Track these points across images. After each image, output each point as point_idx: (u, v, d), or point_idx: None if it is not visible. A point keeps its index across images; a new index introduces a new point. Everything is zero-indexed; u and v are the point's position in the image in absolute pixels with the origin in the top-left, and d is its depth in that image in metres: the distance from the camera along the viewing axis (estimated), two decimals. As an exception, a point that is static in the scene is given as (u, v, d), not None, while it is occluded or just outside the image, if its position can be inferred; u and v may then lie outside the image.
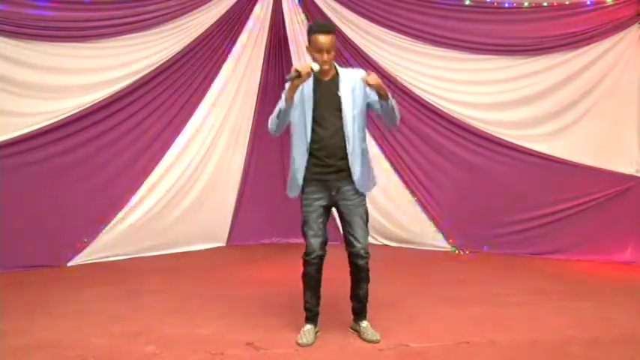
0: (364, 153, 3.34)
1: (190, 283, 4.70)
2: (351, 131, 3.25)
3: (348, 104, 3.26)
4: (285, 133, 3.48)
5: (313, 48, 3.22)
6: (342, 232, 3.44)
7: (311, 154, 3.27)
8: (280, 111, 3.23)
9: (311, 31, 3.26)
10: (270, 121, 3.33)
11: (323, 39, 3.19)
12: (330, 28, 3.36)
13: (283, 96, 3.23)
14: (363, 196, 3.35)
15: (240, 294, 4.37)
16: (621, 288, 4.58)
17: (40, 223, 5.09)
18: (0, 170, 4.87)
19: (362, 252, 3.30)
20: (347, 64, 5.64)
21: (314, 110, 3.26)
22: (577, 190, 5.51)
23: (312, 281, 3.36)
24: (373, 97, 3.28)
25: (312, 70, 3.16)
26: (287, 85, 3.19)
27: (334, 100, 3.27)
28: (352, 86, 3.29)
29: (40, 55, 4.95)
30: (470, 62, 5.66)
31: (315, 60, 3.23)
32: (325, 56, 3.20)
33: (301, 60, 5.54)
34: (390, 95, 3.24)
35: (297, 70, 3.11)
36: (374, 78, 3.17)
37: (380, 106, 3.27)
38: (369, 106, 3.34)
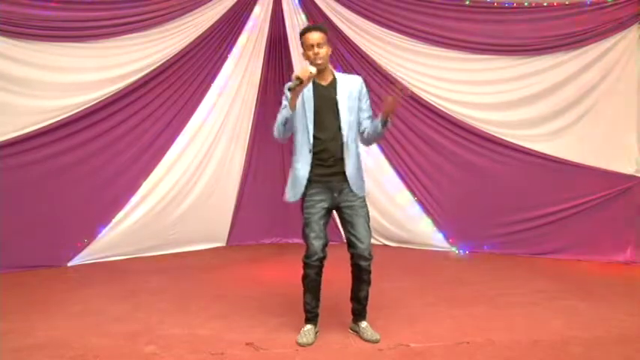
0: (358, 156, 3.37)
1: (190, 283, 4.71)
2: (346, 136, 3.29)
3: (345, 109, 3.30)
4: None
5: (305, 47, 3.28)
6: (343, 233, 3.43)
7: (314, 157, 3.29)
8: (286, 119, 3.22)
9: (301, 35, 3.32)
10: (275, 129, 3.31)
11: (311, 35, 3.25)
12: (317, 26, 3.41)
13: (285, 102, 3.22)
14: (364, 197, 3.36)
15: (240, 294, 4.37)
16: (621, 288, 4.58)
17: (40, 223, 5.09)
18: (0, 170, 4.88)
19: (365, 253, 3.30)
20: (347, 63, 5.67)
21: (315, 114, 3.27)
22: (577, 190, 5.51)
23: (312, 284, 3.36)
24: (363, 114, 3.35)
25: (311, 73, 3.17)
26: (287, 92, 3.18)
27: (333, 104, 3.30)
28: (349, 92, 3.33)
29: (40, 54, 4.95)
30: (470, 62, 5.66)
31: (308, 58, 3.27)
32: (316, 49, 3.23)
33: (302, 61, 5.54)
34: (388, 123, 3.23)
35: (298, 77, 3.12)
36: (392, 103, 3.14)
37: (372, 126, 3.28)
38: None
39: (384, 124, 3.21)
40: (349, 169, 3.29)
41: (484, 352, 3.20)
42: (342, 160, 3.29)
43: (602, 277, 4.94)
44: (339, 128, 3.28)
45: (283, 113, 3.23)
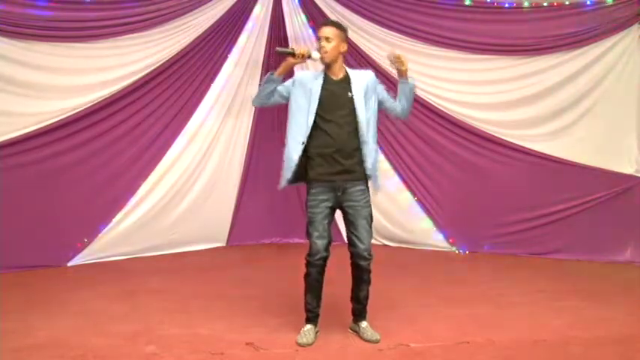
0: (377, 153, 3.41)
1: (190, 283, 4.70)
2: (365, 134, 3.28)
3: (361, 106, 3.29)
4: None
5: (317, 39, 3.37)
6: (345, 232, 3.43)
7: (317, 153, 3.28)
8: (266, 80, 3.32)
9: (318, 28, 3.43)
10: (256, 96, 3.43)
11: (322, 29, 3.33)
12: (332, 21, 3.56)
13: (268, 75, 3.35)
14: (368, 197, 3.36)
15: (240, 294, 4.37)
16: (621, 288, 4.58)
17: (40, 223, 5.08)
18: (0, 170, 4.88)
19: (365, 253, 3.30)
20: (347, 63, 5.63)
21: (322, 109, 3.26)
22: (577, 190, 5.51)
23: (314, 283, 3.36)
24: (384, 94, 3.42)
25: (309, 55, 3.24)
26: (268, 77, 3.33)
27: (345, 102, 3.29)
28: (364, 88, 3.33)
29: (39, 55, 4.94)
30: (470, 62, 5.66)
31: (319, 50, 3.31)
32: (323, 43, 3.28)
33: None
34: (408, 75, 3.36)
35: (292, 49, 3.23)
36: (398, 55, 3.31)
37: (401, 96, 3.39)
38: (380, 105, 3.41)
39: (406, 81, 3.34)
40: (369, 166, 3.31)
41: (484, 352, 3.20)
42: (348, 156, 3.28)
43: (602, 277, 4.94)
44: (355, 126, 3.27)
45: (269, 78, 3.31)
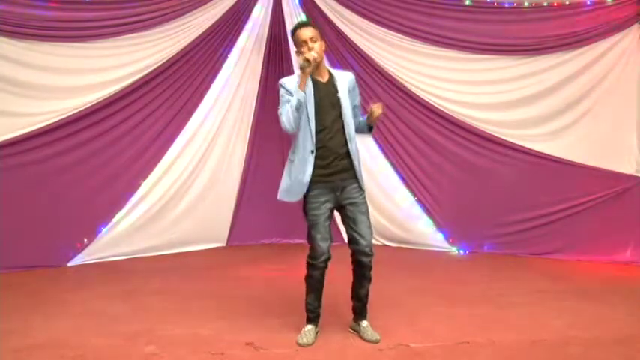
0: (358, 151, 3.40)
1: (190, 283, 4.70)
2: (349, 132, 3.30)
3: (347, 105, 3.31)
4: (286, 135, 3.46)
5: (298, 45, 3.27)
6: (344, 230, 3.42)
7: (316, 157, 3.27)
8: (299, 102, 3.16)
9: (292, 34, 3.33)
10: (285, 119, 3.21)
11: (302, 32, 3.25)
12: (304, 22, 3.48)
13: (287, 96, 3.23)
14: (364, 194, 3.38)
15: (241, 294, 4.37)
16: (621, 288, 4.58)
17: (40, 223, 5.09)
18: (0, 170, 4.88)
19: (367, 249, 3.30)
20: (347, 63, 5.66)
21: (317, 113, 3.26)
22: (577, 190, 5.50)
23: (316, 284, 3.36)
24: (356, 102, 3.44)
25: (314, 57, 3.18)
26: (284, 85, 3.27)
27: (334, 102, 3.30)
28: (348, 88, 3.35)
29: (40, 55, 4.94)
30: (470, 62, 5.66)
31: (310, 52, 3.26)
32: (310, 44, 3.22)
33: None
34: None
35: (306, 59, 3.15)
36: (379, 109, 3.33)
37: (360, 125, 3.48)
38: None
39: (370, 129, 3.47)
40: (355, 163, 3.31)
41: (484, 352, 3.20)
42: (343, 157, 3.29)
43: (602, 277, 4.93)
44: (342, 125, 3.28)
45: (291, 101, 3.17)
